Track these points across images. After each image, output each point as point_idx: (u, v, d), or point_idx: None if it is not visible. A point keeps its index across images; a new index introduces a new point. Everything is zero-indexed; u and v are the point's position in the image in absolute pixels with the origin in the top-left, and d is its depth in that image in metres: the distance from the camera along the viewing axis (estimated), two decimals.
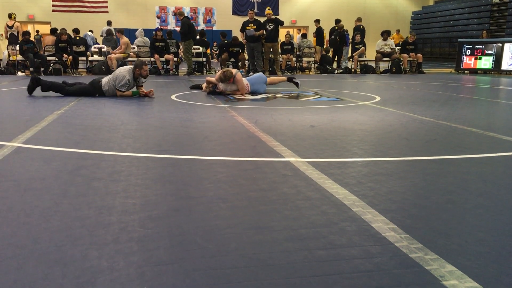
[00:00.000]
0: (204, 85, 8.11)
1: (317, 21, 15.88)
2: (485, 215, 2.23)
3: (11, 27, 13.88)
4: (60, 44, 12.79)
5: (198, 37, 13.72)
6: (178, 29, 13.79)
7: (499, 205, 2.38)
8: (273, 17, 12.99)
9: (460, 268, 1.66)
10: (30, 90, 7.24)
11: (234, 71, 7.69)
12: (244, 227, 2.05)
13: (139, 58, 13.35)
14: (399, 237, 1.92)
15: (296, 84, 8.35)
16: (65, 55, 12.74)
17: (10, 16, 14.26)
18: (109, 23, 17.03)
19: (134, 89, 7.31)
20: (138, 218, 2.13)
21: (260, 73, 8.58)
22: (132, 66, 7.30)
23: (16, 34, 13.60)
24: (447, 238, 1.93)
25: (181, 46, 13.81)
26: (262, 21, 12.91)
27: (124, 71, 7.17)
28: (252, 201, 2.40)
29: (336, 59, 15.39)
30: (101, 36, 15.58)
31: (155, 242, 1.87)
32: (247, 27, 12.54)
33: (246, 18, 13.31)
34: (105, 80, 7.23)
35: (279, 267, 1.68)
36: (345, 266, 1.68)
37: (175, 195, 2.49)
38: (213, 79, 7.78)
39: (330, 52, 15.51)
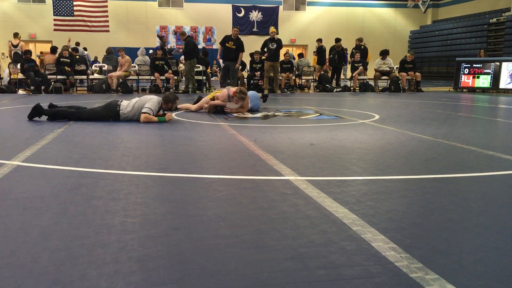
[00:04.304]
0: (186, 106, 8.16)
1: (319, 40, 16.03)
2: (485, 234, 2.23)
3: (16, 46, 13.98)
4: (61, 59, 12.90)
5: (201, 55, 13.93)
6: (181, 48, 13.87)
7: (499, 224, 2.38)
8: (276, 37, 13.11)
9: None
10: (30, 116, 6.40)
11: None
12: (243, 246, 2.04)
13: (140, 76, 13.47)
14: (399, 257, 1.92)
15: (265, 97, 8.95)
16: (67, 68, 12.85)
17: (16, 35, 14.37)
18: (77, 43, 17.41)
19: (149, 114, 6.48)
20: (138, 237, 2.13)
21: (254, 91, 8.64)
22: (161, 97, 6.61)
23: (20, 53, 13.69)
24: (448, 257, 1.93)
25: (181, 65, 13.91)
26: (264, 41, 13.11)
27: (155, 99, 6.47)
28: (252, 219, 2.40)
29: (335, 77, 15.51)
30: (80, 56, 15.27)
31: (154, 262, 1.86)
32: (226, 44, 12.56)
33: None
34: (125, 103, 6.48)
35: (279, 286, 1.67)
36: (345, 286, 1.68)
37: (174, 213, 2.49)
38: (219, 102, 7.75)
39: (329, 71, 15.66)
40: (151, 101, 6.41)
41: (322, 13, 28.28)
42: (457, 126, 6.27)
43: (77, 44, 17.51)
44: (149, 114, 6.29)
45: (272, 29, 13.64)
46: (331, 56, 15.58)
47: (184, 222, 2.35)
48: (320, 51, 15.98)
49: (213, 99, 7.92)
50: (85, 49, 18.85)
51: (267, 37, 13.48)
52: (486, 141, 5.13)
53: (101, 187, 3.00)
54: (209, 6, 26.91)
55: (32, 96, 11.33)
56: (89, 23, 25.23)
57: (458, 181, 3.32)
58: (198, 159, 3.99)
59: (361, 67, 14.83)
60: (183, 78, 13.67)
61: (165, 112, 6.67)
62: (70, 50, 14.10)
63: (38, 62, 14.40)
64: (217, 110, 7.71)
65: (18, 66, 12.85)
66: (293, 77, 14.53)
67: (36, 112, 6.42)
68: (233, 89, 7.74)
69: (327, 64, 16.07)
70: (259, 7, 27.47)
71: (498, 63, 14.28)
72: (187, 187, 3.06)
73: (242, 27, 26.28)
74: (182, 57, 13.46)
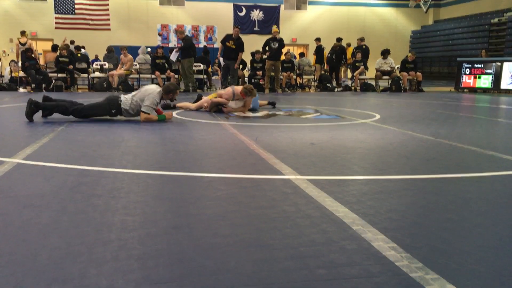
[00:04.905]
0: (186, 105, 8.15)
1: (318, 39, 16.03)
2: (485, 234, 2.23)
3: (24, 44, 13.94)
4: (60, 59, 12.89)
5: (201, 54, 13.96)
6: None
7: (499, 224, 2.37)
8: (278, 36, 13.09)
9: None
10: (29, 115, 5.99)
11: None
12: (243, 245, 2.04)
13: (140, 75, 13.47)
14: (400, 256, 1.92)
15: (274, 104, 8.72)
16: (70, 66, 12.87)
17: (23, 33, 14.32)
18: (72, 42, 17.36)
19: (154, 112, 6.33)
20: (138, 235, 2.13)
21: None
22: (160, 88, 6.34)
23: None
24: (448, 257, 1.93)
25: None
26: (266, 39, 13.12)
27: (155, 92, 6.18)
28: (252, 218, 2.39)
29: (334, 76, 15.51)
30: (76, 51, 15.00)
31: (154, 260, 1.86)
32: (227, 43, 12.58)
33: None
34: (126, 97, 6.25)
35: (279, 286, 1.67)
36: (345, 285, 1.67)
37: (174, 212, 2.49)
38: (222, 100, 7.74)
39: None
40: (150, 96, 6.14)
41: (323, 12, 28.25)
42: (458, 126, 6.27)
43: (72, 42, 17.42)
44: (149, 113, 6.16)
45: (274, 28, 13.61)
46: (328, 55, 15.59)
47: (184, 220, 2.35)
48: (318, 50, 15.97)
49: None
50: (83, 47, 18.82)
51: (268, 36, 13.47)
52: (486, 141, 5.12)
53: (102, 185, 3.00)
54: (210, 5, 26.88)
55: (33, 94, 11.33)
56: (90, 21, 25.21)
57: (458, 181, 3.31)
58: (198, 158, 3.99)
59: (362, 67, 14.82)
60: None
61: (167, 102, 6.44)
62: (73, 49, 14.07)
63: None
64: (218, 109, 7.70)
65: (19, 64, 12.85)
66: (294, 77, 14.52)
67: (33, 108, 6.00)
68: (238, 88, 7.74)
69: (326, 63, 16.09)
70: (260, 6, 27.43)
71: (499, 64, 14.26)
72: (187, 186, 3.06)
73: (243, 26, 26.25)
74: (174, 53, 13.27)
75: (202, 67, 13.87)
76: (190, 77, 12.85)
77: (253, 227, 2.26)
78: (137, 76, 13.60)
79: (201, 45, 23.86)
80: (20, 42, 14.05)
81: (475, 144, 4.79)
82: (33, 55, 12.77)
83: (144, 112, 6.17)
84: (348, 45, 17.06)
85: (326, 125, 6.19)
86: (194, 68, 13.34)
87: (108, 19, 25.47)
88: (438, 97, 12.33)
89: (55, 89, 12.46)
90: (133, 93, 6.39)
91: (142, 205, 2.58)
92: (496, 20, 22.25)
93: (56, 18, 24.97)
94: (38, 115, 6.20)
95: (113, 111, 6.22)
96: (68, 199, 2.69)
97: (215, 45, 26.26)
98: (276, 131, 5.52)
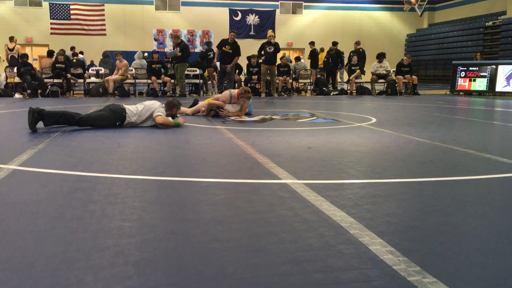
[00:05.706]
0: (182, 109, 8.08)
1: (312, 43, 16.05)
2: (482, 237, 2.23)
3: (12, 50, 13.94)
4: (57, 65, 12.87)
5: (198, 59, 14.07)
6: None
7: (496, 227, 2.38)
8: (274, 40, 13.10)
9: None
10: (33, 125, 5.62)
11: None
12: (241, 250, 2.04)
13: (137, 80, 13.46)
14: (397, 260, 1.92)
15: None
16: (68, 75, 12.85)
17: (12, 38, 14.33)
18: (72, 48, 17.32)
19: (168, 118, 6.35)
20: (135, 241, 2.12)
21: None
22: (163, 102, 6.43)
23: (16, 56, 13.65)
24: (445, 260, 1.93)
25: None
26: (261, 43, 13.13)
27: (158, 103, 6.33)
28: (249, 223, 2.39)
29: (330, 80, 15.56)
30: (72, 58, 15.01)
31: (151, 266, 1.86)
32: (223, 48, 12.62)
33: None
34: (132, 110, 6.21)
35: None
36: None
37: (171, 218, 2.48)
38: (219, 102, 7.73)
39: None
40: (159, 108, 6.22)
41: (319, 16, 28.35)
42: (454, 129, 6.29)
43: (72, 48, 17.39)
44: (163, 114, 6.15)
45: (270, 32, 13.61)
46: (325, 59, 15.64)
47: (181, 226, 2.34)
48: (313, 54, 16.00)
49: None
50: (81, 52, 18.79)
51: (264, 41, 13.49)
52: (483, 144, 5.14)
53: (98, 191, 2.99)
54: (206, 9, 26.93)
55: (28, 100, 11.31)
56: (85, 27, 25.21)
57: (455, 184, 3.32)
58: (195, 163, 3.98)
59: (358, 71, 14.86)
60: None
61: (178, 116, 6.50)
62: (69, 55, 14.07)
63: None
64: (216, 113, 7.69)
65: (15, 70, 12.83)
66: (290, 81, 14.54)
67: (36, 116, 5.62)
68: (235, 91, 7.75)
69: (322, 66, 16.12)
70: (256, 11, 27.51)
71: (494, 66, 14.33)
72: (184, 191, 3.05)
73: (239, 30, 26.29)
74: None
75: (198, 71, 13.88)
76: (181, 83, 12.81)
77: (251, 232, 2.26)
78: (133, 81, 13.58)
79: (197, 50, 23.89)
80: (8, 48, 14.06)
81: (471, 147, 4.80)
82: (28, 61, 12.76)
83: (160, 115, 6.13)
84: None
85: (323, 129, 6.20)
86: (190, 73, 13.35)
87: (104, 24, 25.48)
88: (433, 100, 12.37)
89: (51, 95, 12.43)
90: (138, 106, 6.28)
91: (139, 210, 2.58)
92: (490, 23, 22.40)
93: (51, 23, 24.96)
94: (40, 124, 5.80)
95: (117, 123, 6.16)
96: (64, 205, 2.68)
97: None
98: (273, 135, 5.52)
